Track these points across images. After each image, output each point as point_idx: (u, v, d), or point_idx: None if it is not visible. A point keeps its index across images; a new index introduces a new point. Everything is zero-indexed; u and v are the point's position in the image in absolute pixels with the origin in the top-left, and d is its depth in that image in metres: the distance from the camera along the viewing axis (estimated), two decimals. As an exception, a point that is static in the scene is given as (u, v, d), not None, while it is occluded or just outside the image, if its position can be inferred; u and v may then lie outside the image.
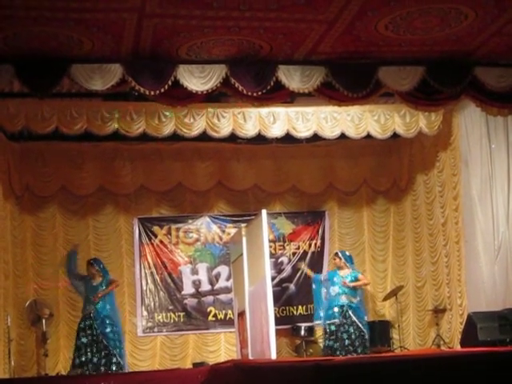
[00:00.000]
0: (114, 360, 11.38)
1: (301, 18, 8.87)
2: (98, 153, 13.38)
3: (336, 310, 11.88)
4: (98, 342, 11.37)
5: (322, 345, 12.31)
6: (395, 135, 12.71)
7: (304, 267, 13.19)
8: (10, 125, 11.52)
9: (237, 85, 9.93)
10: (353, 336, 11.74)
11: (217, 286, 13.76)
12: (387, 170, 14.29)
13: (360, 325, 11.81)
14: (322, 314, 12.09)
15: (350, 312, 11.83)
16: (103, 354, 11.36)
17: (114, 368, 11.31)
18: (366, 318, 12.18)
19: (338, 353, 11.65)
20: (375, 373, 6.03)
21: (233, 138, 12.62)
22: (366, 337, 11.87)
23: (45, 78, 9.46)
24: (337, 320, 11.80)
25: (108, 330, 11.45)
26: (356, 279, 12.11)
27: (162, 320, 13.47)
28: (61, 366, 12.75)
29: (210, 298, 13.69)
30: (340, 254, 12.36)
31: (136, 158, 13.51)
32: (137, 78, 9.68)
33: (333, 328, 11.82)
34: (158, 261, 13.60)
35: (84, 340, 11.36)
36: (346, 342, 11.71)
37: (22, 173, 12.98)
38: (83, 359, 11.27)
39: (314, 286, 12.44)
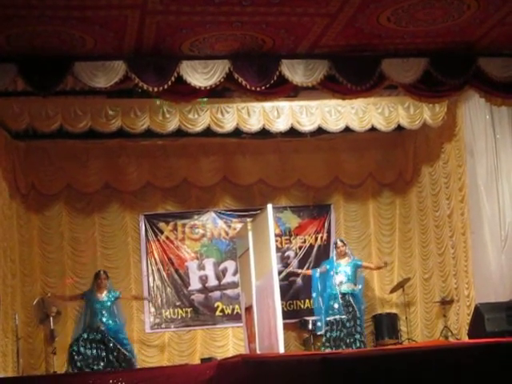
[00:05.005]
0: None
1: (303, 12, 8.87)
2: (103, 150, 13.38)
3: (336, 305, 12.13)
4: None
5: (324, 337, 12.30)
6: (400, 127, 12.72)
7: (300, 271, 13.48)
8: (14, 124, 11.57)
9: (240, 80, 9.92)
10: (351, 323, 12.03)
11: (224, 281, 13.75)
12: (392, 162, 14.27)
13: (358, 313, 12.14)
14: (322, 307, 12.42)
15: (352, 300, 12.16)
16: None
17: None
18: (364, 307, 12.68)
19: (342, 343, 11.93)
20: (383, 365, 6.02)
21: (237, 132, 12.60)
22: (363, 324, 12.34)
23: (48, 76, 9.47)
24: (337, 316, 12.10)
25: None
26: (359, 266, 12.57)
27: (169, 316, 13.48)
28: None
29: (217, 293, 13.69)
30: (344, 241, 12.70)
31: (141, 154, 13.52)
32: (140, 74, 9.68)
33: (338, 319, 12.09)
34: (165, 257, 13.60)
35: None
36: (349, 329, 12.02)
37: (28, 171, 12.99)
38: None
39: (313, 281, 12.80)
